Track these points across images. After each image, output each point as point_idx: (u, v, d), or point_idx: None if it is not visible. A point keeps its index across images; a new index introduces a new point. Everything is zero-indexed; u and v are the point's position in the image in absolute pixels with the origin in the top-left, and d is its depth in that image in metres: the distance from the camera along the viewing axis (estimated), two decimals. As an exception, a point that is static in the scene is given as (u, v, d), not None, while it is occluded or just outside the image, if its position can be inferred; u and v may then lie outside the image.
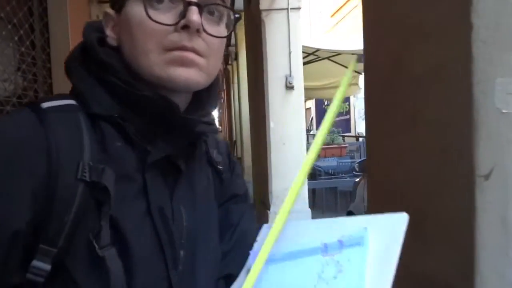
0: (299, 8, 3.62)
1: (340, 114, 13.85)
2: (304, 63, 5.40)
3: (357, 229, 0.47)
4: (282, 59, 3.63)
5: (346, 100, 12.60)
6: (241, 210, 0.68)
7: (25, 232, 0.45)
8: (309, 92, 7.29)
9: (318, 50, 5.74)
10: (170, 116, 0.53)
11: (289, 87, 3.65)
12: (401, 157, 0.85)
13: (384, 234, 0.45)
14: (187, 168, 0.58)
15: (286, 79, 3.64)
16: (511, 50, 0.64)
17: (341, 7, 10.06)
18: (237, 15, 0.58)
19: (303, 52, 4.17)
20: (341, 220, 0.51)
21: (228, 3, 0.57)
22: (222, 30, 0.56)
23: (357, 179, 4.11)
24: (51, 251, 0.46)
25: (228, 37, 0.59)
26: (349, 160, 6.02)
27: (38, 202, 0.46)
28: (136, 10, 0.51)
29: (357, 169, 4.43)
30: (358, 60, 0.68)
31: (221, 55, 0.58)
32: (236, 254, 0.61)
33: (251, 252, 0.53)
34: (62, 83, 2.54)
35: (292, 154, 3.51)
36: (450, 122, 0.69)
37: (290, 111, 3.62)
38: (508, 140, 0.64)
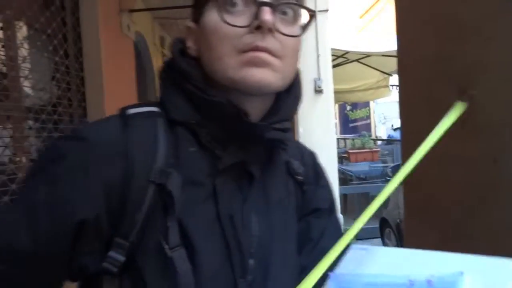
0: (326, 11, 3.57)
1: (361, 118, 14.03)
2: (333, 66, 5.33)
3: (451, 271, 0.40)
4: (310, 62, 3.59)
5: (366, 105, 12.83)
6: (323, 225, 0.65)
7: (95, 223, 0.50)
8: (338, 95, 7.18)
9: (347, 52, 5.65)
10: (237, 121, 0.53)
11: (318, 90, 3.60)
12: (444, 164, 0.79)
13: (485, 283, 0.38)
14: (262, 176, 0.58)
15: (315, 82, 3.59)
16: None
17: (370, 7, 9.88)
18: (311, 13, 0.56)
19: (332, 55, 4.10)
20: (433, 255, 0.45)
21: (302, 2, 0.56)
22: (296, 30, 0.55)
23: (390, 184, 3.99)
24: (124, 244, 0.50)
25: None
26: (381, 165, 5.86)
27: (111, 199, 0.50)
28: (211, 17, 0.53)
29: (390, 174, 4.30)
30: (463, 100, 0.64)
31: (298, 56, 0.57)
32: None
33: (330, 274, 0.48)
34: (94, 91, 2.60)
35: (322, 160, 3.45)
36: (503, 127, 0.63)
37: (319, 116, 3.56)
38: None
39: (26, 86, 2.06)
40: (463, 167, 0.73)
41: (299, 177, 0.65)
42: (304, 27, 0.56)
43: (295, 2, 0.54)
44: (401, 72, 1.02)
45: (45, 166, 0.53)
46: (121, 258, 0.50)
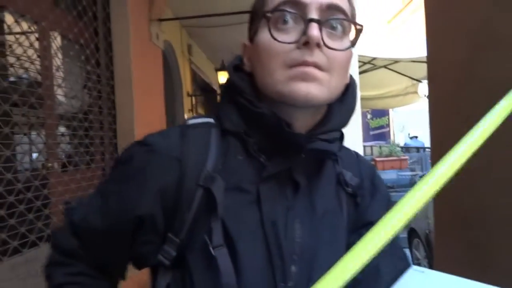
0: (354, 17, 3.54)
1: (380, 127, 14.22)
2: (360, 73, 5.24)
3: None
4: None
5: (386, 113, 12.97)
6: None
7: (151, 219, 0.56)
8: (367, 102, 7.07)
9: (374, 58, 5.56)
10: (279, 131, 0.55)
11: (345, 97, 3.55)
12: (475, 178, 0.76)
13: None
14: (308, 185, 0.60)
15: (341, 89, 3.54)
16: None
17: (398, 12, 9.71)
18: (359, 27, 0.57)
19: (359, 61, 4.05)
20: None
21: (352, 16, 0.58)
22: (345, 43, 0.56)
23: (419, 193, 3.86)
24: (175, 241, 0.56)
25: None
26: (410, 173, 5.69)
27: (166, 198, 0.56)
28: (263, 35, 0.57)
29: (419, 183, 4.17)
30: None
31: (346, 69, 0.59)
32: None
33: None
34: (124, 99, 2.66)
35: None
36: None
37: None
38: None
39: (59, 94, 2.14)
40: (495, 184, 0.70)
41: (351, 189, 0.65)
42: (353, 41, 0.57)
43: (343, 17, 0.56)
44: (431, 78, 1.00)
45: (118, 166, 0.63)
46: (173, 252, 0.56)
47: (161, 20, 3.40)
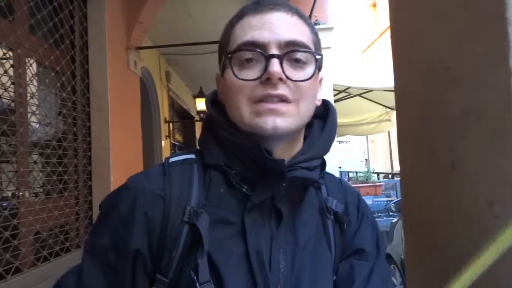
0: (329, 48, 3.66)
1: None
2: (335, 101, 5.38)
3: None
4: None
5: None
6: (366, 268, 0.63)
7: (145, 254, 0.56)
8: (341, 129, 7.21)
9: (349, 87, 5.73)
10: (260, 159, 0.56)
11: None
12: (441, 204, 0.79)
13: None
14: (292, 214, 0.60)
15: (317, 117, 3.61)
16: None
17: (372, 42, 10.10)
18: (318, 57, 0.60)
19: (334, 89, 4.16)
20: None
21: (314, 44, 0.61)
22: (309, 72, 0.58)
23: (394, 220, 3.93)
24: (164, 281, 0.56)
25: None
26: (385, 199, 5.79)
27: (153, 235, 0.56)
28: (229, 72, 0.59)
29: (393, 209, 4.24)
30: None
31: (314, 95, 0.61)
32: None
33: None
34: (100, 126, 2.64)
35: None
36: (496, 173, 0.63)
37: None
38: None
39: (33, 121, 2.10)
40: (460, 211, 0.74)
41: (337, 216, 0.65)
42: (314, 71, 0.59)
43: (302, 50, 0.57)
44: (398, 110, 1.04)
45: (105, 215, 0.61)
46: None
47: (139, 48, 3.43)
